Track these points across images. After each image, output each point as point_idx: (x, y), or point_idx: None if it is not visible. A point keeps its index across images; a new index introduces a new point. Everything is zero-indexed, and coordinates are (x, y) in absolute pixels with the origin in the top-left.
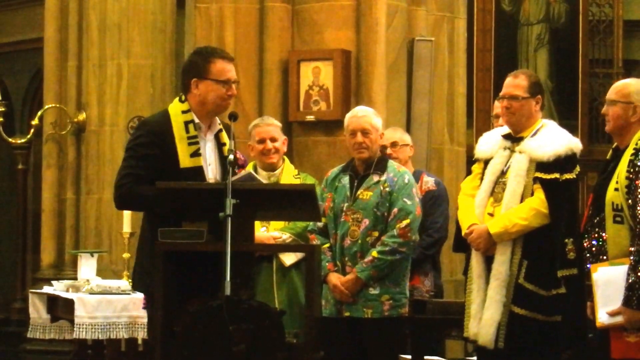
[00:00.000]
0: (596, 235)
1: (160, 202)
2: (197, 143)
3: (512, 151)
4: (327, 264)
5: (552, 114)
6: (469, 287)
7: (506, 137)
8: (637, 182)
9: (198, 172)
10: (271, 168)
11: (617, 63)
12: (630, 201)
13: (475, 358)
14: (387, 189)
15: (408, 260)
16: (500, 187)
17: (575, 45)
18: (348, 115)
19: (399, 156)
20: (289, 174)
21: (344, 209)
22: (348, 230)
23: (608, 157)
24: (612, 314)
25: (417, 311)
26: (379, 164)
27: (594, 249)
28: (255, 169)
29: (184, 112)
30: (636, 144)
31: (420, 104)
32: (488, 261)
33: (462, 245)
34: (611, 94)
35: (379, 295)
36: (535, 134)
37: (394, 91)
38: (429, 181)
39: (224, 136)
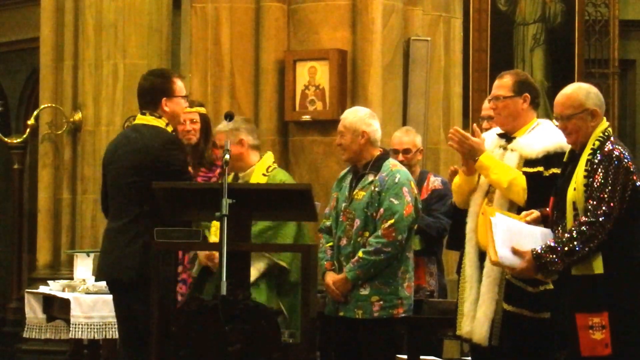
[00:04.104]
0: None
1: None
2: None
3: (506, 149)
4: (325, 262)
5: (547, 114)
6: (461, 285)
7: (501, 135)
8: (594, 177)
9: None
10: (241, 168)
11: (612, 63)
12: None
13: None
14: (377, 189)
15: (399, 260)
16: (494, 187)
17: (571, 45)
18: None
19: (410, 162)
20: (259, 172)
21: (342, 209)
22: (344, 230)
23: (565, 159)
24: (516, 253)
25: (414, 311)
26: (376, 163)
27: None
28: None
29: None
30: (593, 144)
31: (416, 104)
32: (481, 259)
33: (457, 242)
34: (563, 109)
35: (368, 295)
36: (529, 132)
37: (390, 91)
38: (435, 180)
39: None
